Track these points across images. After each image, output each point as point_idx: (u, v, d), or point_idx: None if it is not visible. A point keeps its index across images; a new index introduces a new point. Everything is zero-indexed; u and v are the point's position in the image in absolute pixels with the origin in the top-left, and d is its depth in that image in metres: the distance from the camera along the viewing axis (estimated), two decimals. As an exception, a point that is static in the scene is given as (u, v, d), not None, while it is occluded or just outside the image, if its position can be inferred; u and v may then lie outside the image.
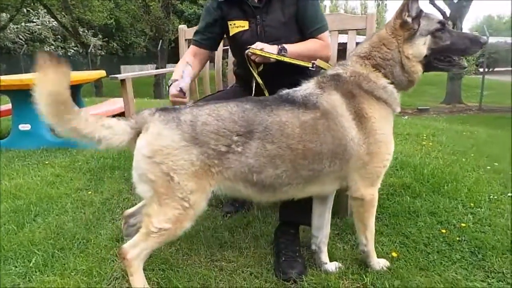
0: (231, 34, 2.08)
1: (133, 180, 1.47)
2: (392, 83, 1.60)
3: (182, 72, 1.96)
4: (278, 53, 1.83)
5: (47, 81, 1.30)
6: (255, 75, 1.91)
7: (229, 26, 2.07)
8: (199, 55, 2.19)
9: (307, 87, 1.59)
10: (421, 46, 1.56)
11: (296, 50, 1.90)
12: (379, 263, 1.75)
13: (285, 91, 1.60)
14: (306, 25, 1.99)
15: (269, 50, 1.83)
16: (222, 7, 2.04)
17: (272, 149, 1.44)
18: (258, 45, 1.84)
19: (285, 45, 1.88)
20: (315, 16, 1.98)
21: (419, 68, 1.60)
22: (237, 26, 2.03)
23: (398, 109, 1.66)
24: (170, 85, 1.92)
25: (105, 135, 1.42)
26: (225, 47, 2.64)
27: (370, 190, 1.62)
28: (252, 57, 1.85)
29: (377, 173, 1.61)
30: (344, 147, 1.50)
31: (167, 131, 1.40)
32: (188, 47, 3.13)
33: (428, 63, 1.61)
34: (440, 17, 1.63)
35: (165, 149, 1.39)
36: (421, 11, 1.57)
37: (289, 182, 1.50)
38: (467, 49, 1.61)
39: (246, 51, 1.84)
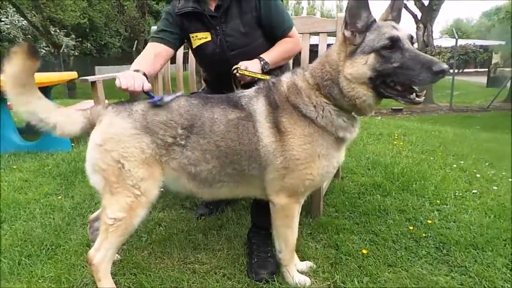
0: (194, 47, 2.06)
1: (86, 172, 1.50)
2: (336, 105, 1.44)
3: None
4: (262, 70, 1.88)
5: (14, 64, 1.36)
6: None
7: (192, 39, 2.03)
8: (162, 54, 1.99)
9: (250, 90, 1.61)
10: (361, 66, 1.31)
11: (275, 59, 1.96)
12: (295, 279, 1.66)
13: (235, 92, 1.64)
14: (275, 28, 2.00)
15: (254, 69, 1.84)
16: (182, 20, 1.98)
17: (203, 143, 1.49)
18: (242, 64, 1.83)
19: (265, 58, 1.91)
20: (282, 18, 2.01)
21: (361, 92, 1.35)
22: (200, 38, 2.01)
23: (341, 134, 1.47)
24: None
25: (59, 121, 1.47)
26: None
27: (282, 199, 1.54)
28: (241, 78, 1.83)
29: (295, 188, 1.51)
30: (258, 152, 1.49)
31: (119, 120, 1.46)
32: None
33: (376, 88, 1.33)
34: (408, 26, 1.40)
35: (116, 136, 1.43)
36: (373, 21, 1.31)
37: (219, 179, 1.55)
38: (413, 77, 1.24)
39: (234, 72, 1.82)
